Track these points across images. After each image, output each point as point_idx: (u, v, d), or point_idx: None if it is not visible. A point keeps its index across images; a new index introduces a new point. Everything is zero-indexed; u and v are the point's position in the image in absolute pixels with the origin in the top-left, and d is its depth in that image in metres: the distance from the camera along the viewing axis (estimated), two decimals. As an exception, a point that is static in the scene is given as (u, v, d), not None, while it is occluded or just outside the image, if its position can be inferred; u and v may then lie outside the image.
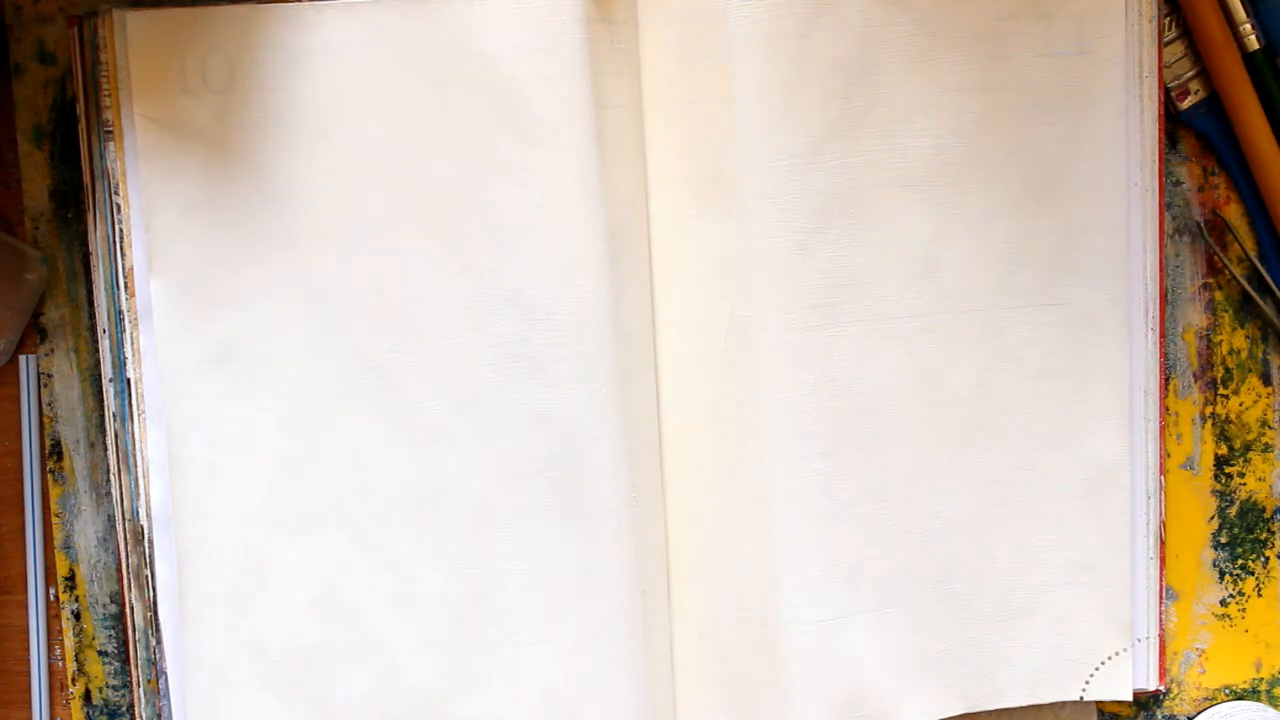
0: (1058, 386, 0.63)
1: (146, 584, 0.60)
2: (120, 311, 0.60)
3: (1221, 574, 0.67)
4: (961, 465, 0.63)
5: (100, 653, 0.63)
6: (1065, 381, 0.63)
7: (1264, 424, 0.66)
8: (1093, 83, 0.62)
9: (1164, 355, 0.65)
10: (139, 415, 0.60)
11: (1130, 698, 0.65)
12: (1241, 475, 0.66)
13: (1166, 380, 0.65)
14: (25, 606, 0.63)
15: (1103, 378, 0.63)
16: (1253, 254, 0.65)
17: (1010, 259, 0.62)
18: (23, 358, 0.63)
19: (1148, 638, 0.65)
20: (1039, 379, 0.63)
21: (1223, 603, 0.67)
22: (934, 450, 0.62)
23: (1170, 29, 0.64)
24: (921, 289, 0.61)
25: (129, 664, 0.62)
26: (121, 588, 0.61)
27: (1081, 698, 0.64)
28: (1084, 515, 0.64)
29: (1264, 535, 0.66)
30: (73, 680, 0.63)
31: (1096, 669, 0.64)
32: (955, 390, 0.62)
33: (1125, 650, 0.64)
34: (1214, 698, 0.67)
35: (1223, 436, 0.66)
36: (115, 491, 0.61)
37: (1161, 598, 0.65)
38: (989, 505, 0.63)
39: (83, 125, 0.60)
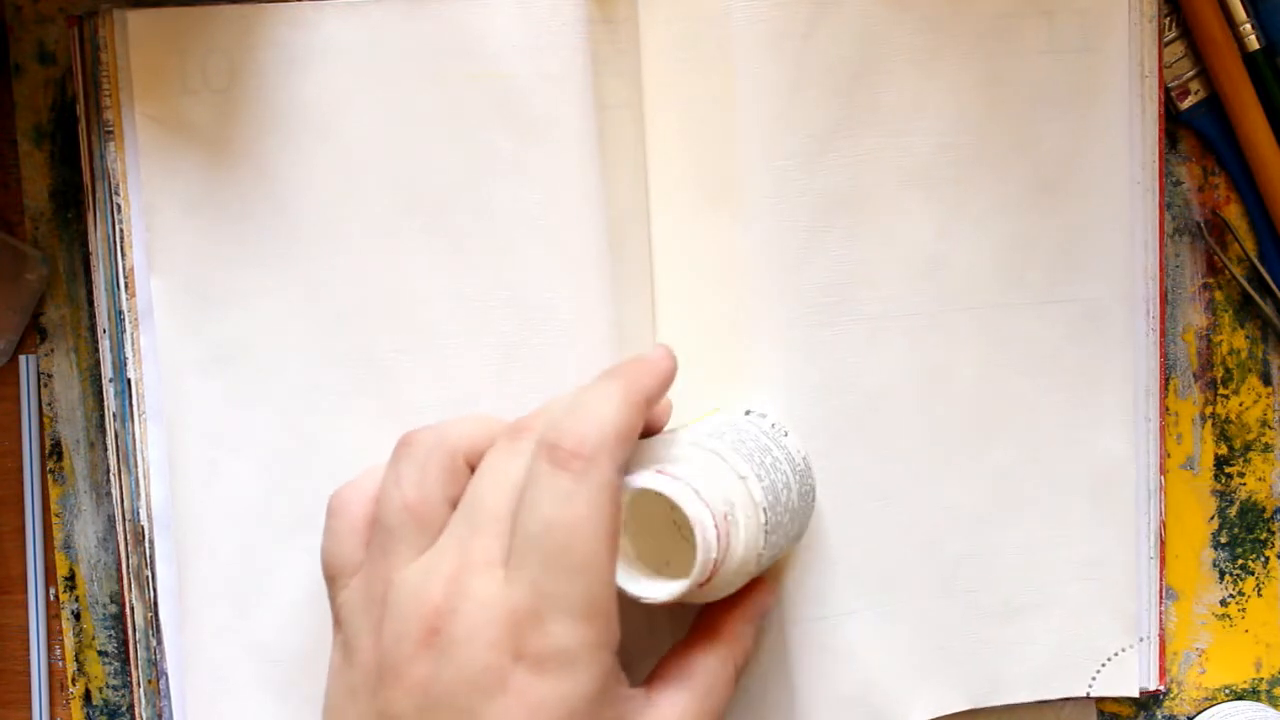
0: (1063, 382, 0.63)
1: (147, 584, 0.60)
2: (120, 311, 0.60)
3: (1221, 574, 0.67)
4: (967, 462, 0.63)
5: (100, 653, 0.63)
6: (1071, 377, 0.63)
7: (1264, 424, 0.66)
8: (1096, 79, 0.62)
9: (1164, 355, 0.65)
10: (139, 415, 0.60)
11: (1137, 694, 0.65)
12: (1241, 475, 0.66)
13: (1166, 380, 0.65)
14: (25, 606, 0.63)
15: (1109, 373, 0.63)
16: (1253, 254, 0.65)
17: (1015, 256, 0.62)
18: (23, 358, 0.62)
19: (1148, 637, 0.65)
20: (1045, 375, 0.63)
21: (1223, 603, 0.67)
22: (940, 447, 0.62)
23: (1170, 29, 0.64)
24: (926, 286, 0.62)
25: (129, 664, 0.62)
26: (121, 588, 0.61)
27: (1088, 694, 0.64)
28: (1091, 511, 0.64)
29: (1264, 535, 0.67)
30: (73, 680, 0.63)
31: (1103, 665, 0.64)
32: (961, 387, 0.62)
33: (1131, 647, 0.64)
34: (1214, 698, 0.67)
35: (1223, 436, 0.66)
36: (115, 491, 0.61)
37: (1161, 598, 0.65)
38: (995, 502, 0.63)
39: (83, 125, 0.60)
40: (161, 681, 0.61)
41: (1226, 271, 0.66)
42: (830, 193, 0.60)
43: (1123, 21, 0.62)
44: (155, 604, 0.60)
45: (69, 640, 0.63)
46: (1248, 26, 0.63)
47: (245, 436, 0.60)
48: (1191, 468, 0.66)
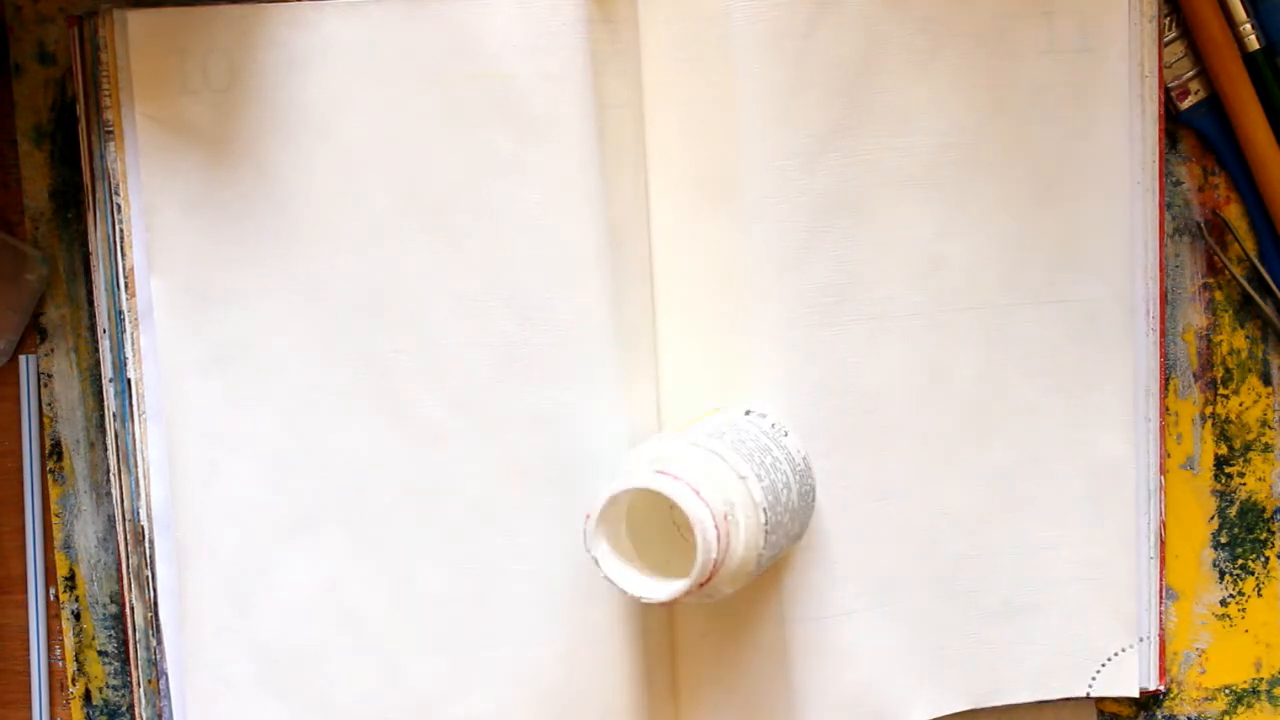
0: (1063, 383, 0.63)
1: (147, 584, 0.60)
2: (120, 311, 0.60)
3: (1221, 574, 0.67)
4: (967, 462, 0.63)
5: (100, 653, 0.63)
6: (1071, 377, 0.63)
7: (1264, 424, 0.66)
8: (1096, 79, 0.62)
9: (1164, 355, 0.65)
10: (139, 415, 0.60)
11: (1137, 694, 0.65)
12: (1241, 475, 0.66)
13: (1166, 380, 0.65)
14: (25, 606, 0.63)
15: (1108, 374, 0.63)
16: (1253, 254, 0.65)
17: (1015, 256, 0.62)
18: (23, 358, 0.62)
19: (1148, 638, 0.65)
20: (1044, 375, 0.63)
21: (1223, 603, 0.67)
22: (939, 447, 0.62)
23: (1170, 29, 0.64)
24: (925, 287, 0.62)
25: (129, 664, 0.62)
26: (121, 588, 0.61)
27: (1088, 694, 0.64)
28: (1091, 511, 0.64)
29: (1264, 535, 0.67)
30: (73, 680, 0.63)
31: (1103, 665, 0.64)
32: (960, 387, 0.62)
33: (1131, 647, 0.64)
34: (1214, 698, 0.67)
35: (1223, 436, 0.66)
36: (115, 491, 0.61)
37: (1161, 598, 0.65)
38: (995, 502, 0.63)
39: (83, 125, 0.60)
40: (161, 681, 0.61)
41: (1226, 271, 0.66)
42: (830, 193, 0.60)
43: (1123, 21, 0.62)
44: (155, 604, 0.60)
45: (69, 640, 0.63)
46: (1248, 26, 0.63)
47: (245, 436, 0.60)
48: (1191, 468, 0.66)
